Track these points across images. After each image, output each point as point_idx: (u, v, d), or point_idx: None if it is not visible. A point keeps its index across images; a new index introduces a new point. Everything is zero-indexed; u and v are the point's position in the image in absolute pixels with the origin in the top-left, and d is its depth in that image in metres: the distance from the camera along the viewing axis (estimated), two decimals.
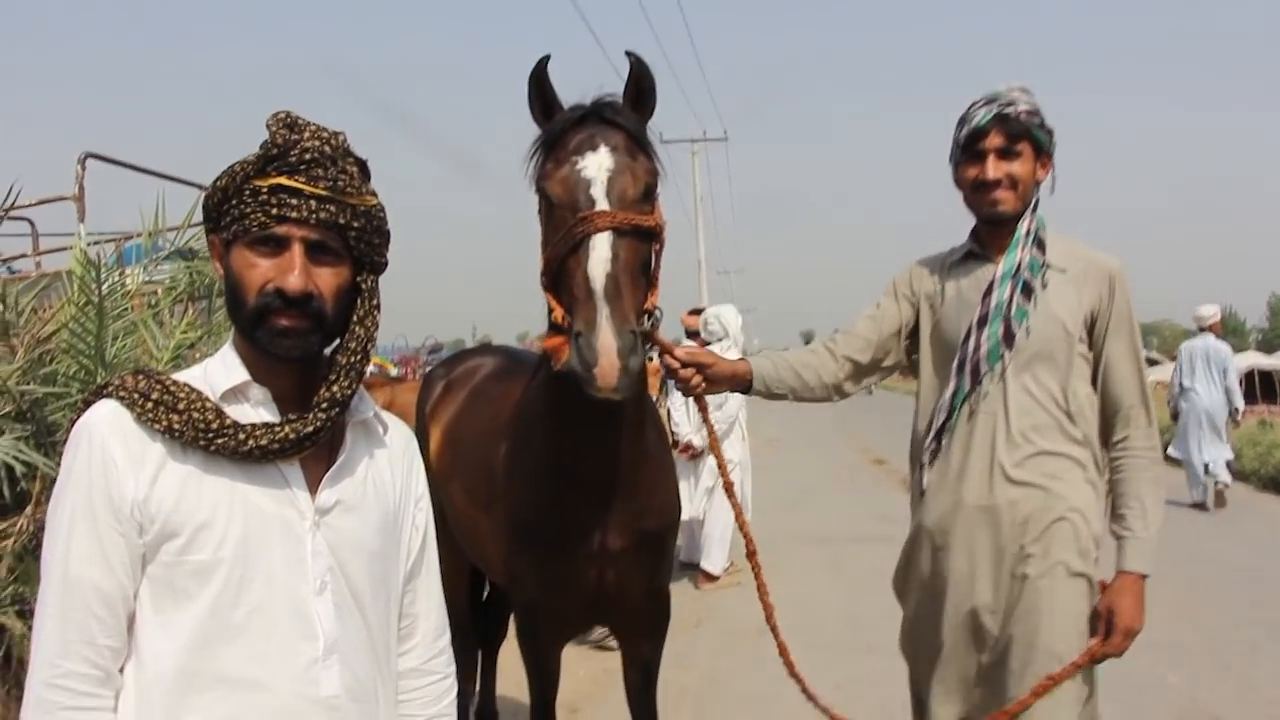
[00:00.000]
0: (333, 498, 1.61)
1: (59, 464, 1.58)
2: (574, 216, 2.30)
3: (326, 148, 1.57)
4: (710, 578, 8.02)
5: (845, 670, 5.45)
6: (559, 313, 2.31)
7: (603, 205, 2.30)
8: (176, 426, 1.50)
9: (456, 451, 3.65)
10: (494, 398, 3.53)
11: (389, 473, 1.73)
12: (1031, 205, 2.66)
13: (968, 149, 2.63)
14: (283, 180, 1.53)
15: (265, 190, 1.53)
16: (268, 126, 1.56)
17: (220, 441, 1.51)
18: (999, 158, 2.60)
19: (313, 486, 1.60)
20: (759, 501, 9.21)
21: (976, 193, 2.64)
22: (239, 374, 1.59)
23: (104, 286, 4.24)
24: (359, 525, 1.64)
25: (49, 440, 4.15)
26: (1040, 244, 2.64)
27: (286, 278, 1.52)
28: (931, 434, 2.71)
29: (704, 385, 2.63)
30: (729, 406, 7.89)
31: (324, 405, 1.58)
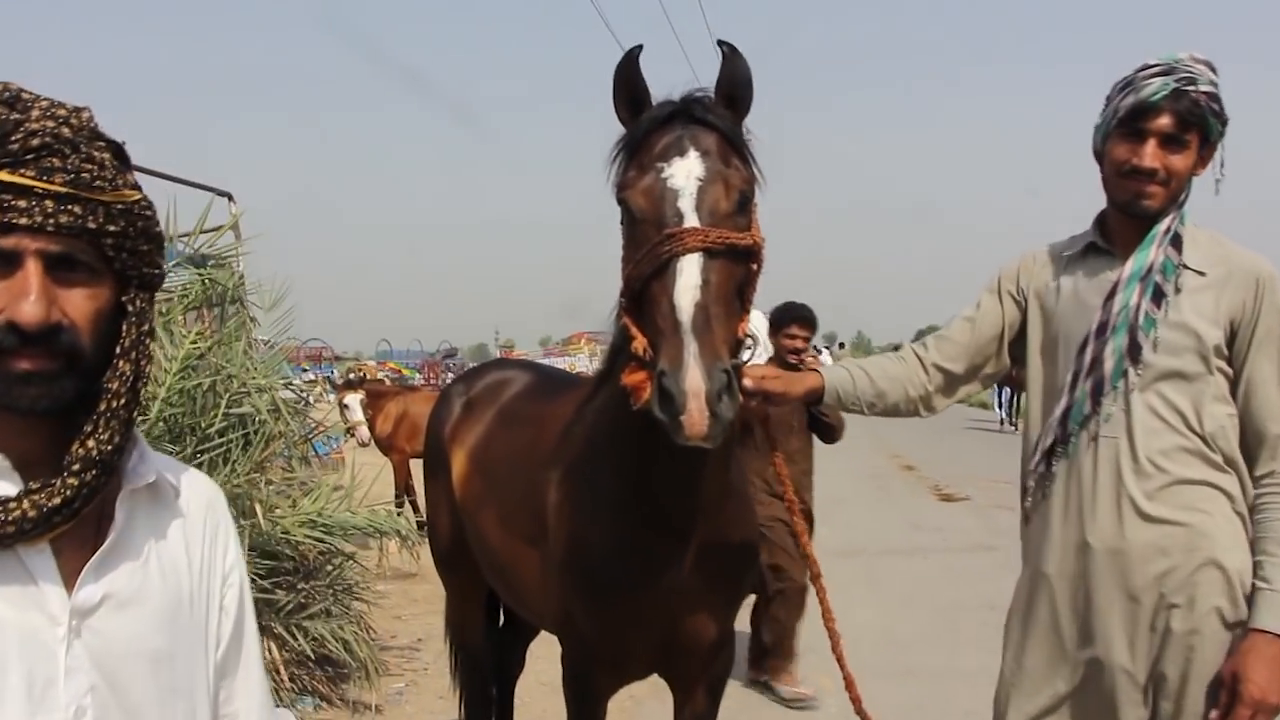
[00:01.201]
0: (98, 593, 1.21)
1: None
2: (659, 233, 2.02)
3: (65, 129, 1.18)
4: None
5: (884, 697, 5.12)
6: (640, 342, 2.04)
7: (691, 221, 2.02)
8: None
9: (488, 478, 3.34)
10: (531, 420, 3.24)
11: (183, 548, 1.34)
12: (1180, 202, 2.28)
13: (1127, 123, 2.22)
14: (4, 176, 1.14)
15: None
16: None
17: None
18: (1161, 144, 2.20)
19: (71, 580, 1.20)
20: None
21: (1124, 178, 2.25)
22: None
23: None
24: (135, 623, 1.25)
25: None
26: (1177, 242, 2.25)
27: (20, 306, 1.14)
28: (1038, 455, 2.36)
29: (766, 406, 2.38)
30: None
31: (76, 467, 1.19)
